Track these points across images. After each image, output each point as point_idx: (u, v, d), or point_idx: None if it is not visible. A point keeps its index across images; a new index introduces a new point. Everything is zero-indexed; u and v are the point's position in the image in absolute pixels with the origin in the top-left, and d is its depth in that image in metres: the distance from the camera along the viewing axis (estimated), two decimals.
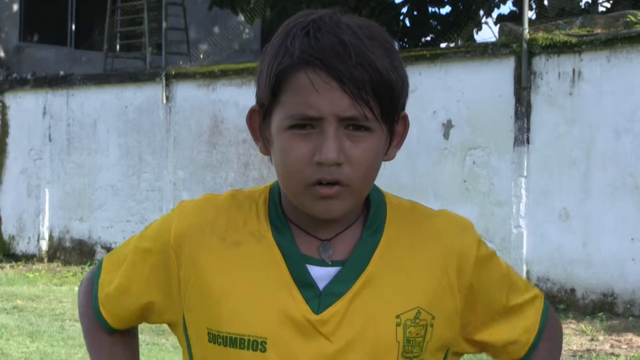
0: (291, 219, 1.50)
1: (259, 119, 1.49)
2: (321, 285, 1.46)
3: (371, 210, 1.52)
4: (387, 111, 1.43)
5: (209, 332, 1.47)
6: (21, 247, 13.75)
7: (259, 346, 1.44)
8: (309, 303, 1.45)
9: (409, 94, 1.49)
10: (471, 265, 1.53)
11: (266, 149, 1.50)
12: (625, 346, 7.49)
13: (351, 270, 1.47)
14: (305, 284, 1.46)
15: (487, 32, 39.99)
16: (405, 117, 1.51)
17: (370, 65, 1.39)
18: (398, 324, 1.46)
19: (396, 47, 1.46)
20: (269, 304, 1.45)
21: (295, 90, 1.40)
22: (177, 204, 1.58)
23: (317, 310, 1.45)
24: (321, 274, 1.46)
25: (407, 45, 16.30)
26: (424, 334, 1.47)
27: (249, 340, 1.45)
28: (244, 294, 1.46)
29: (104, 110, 12.96)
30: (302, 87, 1.39)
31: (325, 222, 1.47)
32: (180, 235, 1.51)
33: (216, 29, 17.79)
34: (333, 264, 1.47)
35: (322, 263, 1.47)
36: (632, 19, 9.13)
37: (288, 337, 1.44)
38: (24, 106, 13.83)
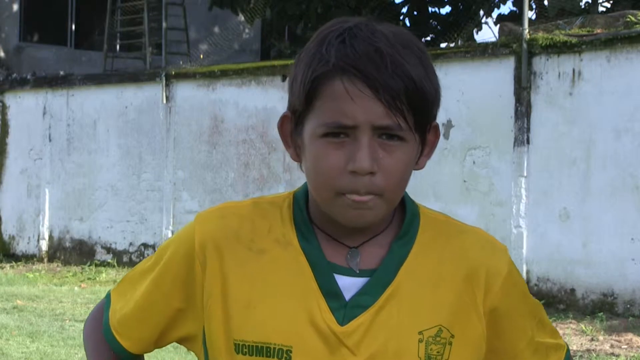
0: (318, 225, 1.49)
1: (291, 126, 1.47)
2: (347, 295, 1.45)
3: (406, 221, 1.51)
4: (420, 121, 1.42)
5: (234, 343, 1.45)
6: (21, 247, 13.75)
7: (284, 355, 1.43)
8: (334, 313, 1.44)
9: (440, 104, 1.48)
10: (499, 286, 1.51)
11: (297, 156, 1.48)
12: (625, 346, 7.49)
13: (378, 282, 1.46)
14: (331, 293, 1.45)
15: (487, 32, 40.03)
16: (437, 127, 1.50)
17: (405, 74, 1.38)
18: (420, 340, 1.45)
19: (429, 56, 1.46)
20: (295, 313, 1.44)
21: (330, 98, 1.39)
22: (195, 216, 1.55)
23: (342, 321, 1.43)
24: (348, 284, 1.45)
25: None
26: (443, 352, 1.46)
27: (274, 348, 1.44)
28: (271, 303, 1.45)
29: (104, 110, 12.96)
30: (337, 95, 1.38)
31: (354, 230, 1.46)
32: (204, 244, 1.49)
33: (216, 29, 17.79)
34: (360, 273, 1.46)
35: (349, 272, 1.46)
36: (632, 19, 9.13)
37: (313, 346, 1.43)
38: (24, 106, 13.83)
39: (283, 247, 1.48)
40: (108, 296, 1.62)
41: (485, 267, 1.51)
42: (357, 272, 1.46)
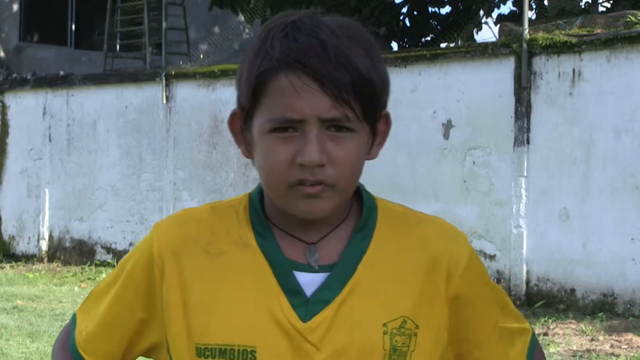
0: (275, 223, 1.48)
1: (241, 122, 1.48)
2: (308, 291, 1.44)
3: (363, 213, 1.50)
4: (368, 111, 1.42)
5: (197, 347, 1.45)
6: (21, 247, 13.75)
7: (249, 355, 1.43)
8: (296, 310, 1.43)
9: (390, 92, 1.47)
10: (460, 274, 1.51)
11: (248, 152, 1.48)
12: (625, 346, 7.48)
13: (339, 276, 1.45)
14: (292, 290, 1.44)
15: (487, 32, 40.01)
16: (388, 116, 1.49)
17: (350, 65, 1.38)
18: (385, 332, 1.45)
19: (377, 46, 1.45)
20: (256, 313, 1.44)
21: (276, 93, 1.39)
22: (153, 225, 1.55)
23: (305, 317, 1.43)
24: (308, 280, 1.45)
25: (407, 45, 16.30)
26: (409, 343, 1.46)
27: (238, 350, 1.43)
28: (232, 304, 1.45)
29: (104, 110, 12.96)
30: (283, 90, 1.38)
31: (310, 224, 1.46)
32: (162, 252, 1.49)
33: (216, 29, 17.79)
34: (320, 269, 1.46)
35: (308, 268, 1.46)
36: (632, 19, 9.13)
37: (276, 345, 1.43)
38: (24, 106, 13.83)
39: (241, 249, 1.47)
40: (74, 316, 1.61)
41: (446, 255, 1.50)
42: (317, 268, 1.45)
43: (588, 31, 9.24)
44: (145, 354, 1.57)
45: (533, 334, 1.63)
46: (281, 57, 1.38)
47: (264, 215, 1.49)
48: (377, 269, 1.47)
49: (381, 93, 1.44)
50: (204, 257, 1.48)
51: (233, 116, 1.49)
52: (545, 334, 7.91)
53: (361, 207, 1.52)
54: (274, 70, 1.39)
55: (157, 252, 1.50)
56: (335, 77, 1.37)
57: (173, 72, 12.34)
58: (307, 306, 1.44)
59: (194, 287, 1.47)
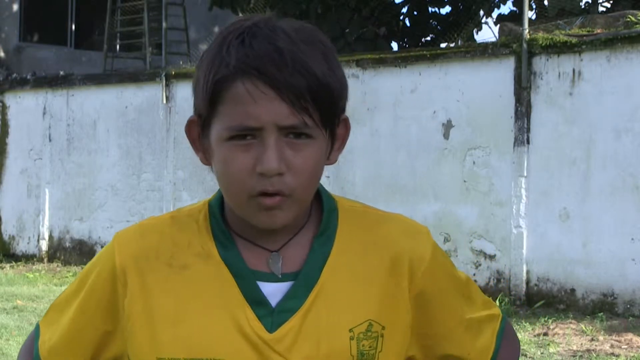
0: (236, 232, 1.47)
1: (198, 129, 1.46)
2: (273, 301, 1.44)
3: (323, 218, 1.49)
4: (327, 116, 1.40)
5: None
6: (21, 247, 13.75)
7: None
8: (262, 321, 1.43)
9: (347, 96, 1.46)
10: (423, 270, 1.50)
11: (206, 160, 1.46)
12: (625, 346, 7.48)
13: (303, 284, 1.45)
14: (257, 301, 1.43)
15: (487, 32, 40.02)
16: (346, 120, 1.48)
17: (307, 71, 1.37)
18: (352, 338, 1.44)
19: (334, 50, 1.44)
20: (223, 325, 1.43)
21: (233, 101, 1.37)
22: (114, 236, 1.54)
23: (271, 328, 1.42)
24: (273, 290, 1.44)
25: (407, 45, 16.30)
26: (376, 345, 1.45)
27: None
28: (198, 317, 1.44)
29: (104, 110, 12.96)
30: (240, 98, 1.37)
31: (272, 232, 1.45)
32: (124, 266, 1.48)
33: (216, 29, 17.79)
34: (284, 277, 1.45)
35: (272, 277, 1.45)
36: (632, 19, 9.12)
37: (244, 357, 1.42)
38: (24, 106, 13.83)
39: (204, 260, 1.46)
40: (37, 327, 1.60)
41: (408, 253, 1.50)
42: (280, 276, 1.44)
43: (588, 31, 9.24)
44: None
45: (503, 318, 1.62)
46: (237, 64, 1.37)
47: (225, 224, 1.48)
48: (341, 273, 1.46)
49: (339, 97, 1.42)
50: (167, 270, 1.47)
51: (190, 123, 1.47)
52: (545, 334, 7.91)
53: (321, 210, 1.50)
54: (230, 78, 1.37)
55: (120, 266, 1.48)
56: (292, 83, 1.36)
57: (173, 72, 12.34)
58: (272, 316, 1.43)
59: (159, 301, 1.45)
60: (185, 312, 1.44)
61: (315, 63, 1.38)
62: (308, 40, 1.40)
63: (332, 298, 1.45)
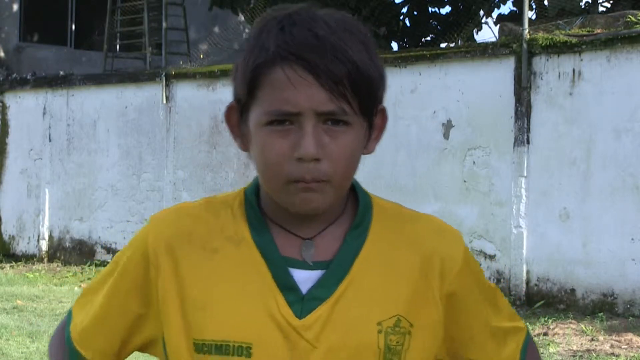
0: (271, 218, 1.48)
1: (237, 116, 1.47)
2: (304, 288, 1.44)
3: (359, 211, 1.50)
4: (365, 105, 1.41)
5: (194, 343, 1.44)
6: (21, 247, 13.75)
7: (244, 352, 1.42)
8: (291, 307, 1.43)
9: (386, 87, 1.47)
10: (455, 273, 1.51)
11: (244, 146, 1.48)
12: (625, 346, 7.48)
13: (334, 273, 1.45)
14: (288, 287, 1.44)
15: (487, 32, 39.99)
16: (384, 110, 1.49)
17: (347, 58, 1.37)
18: (379, 331, 1.44)
19: (373, 41, 1.45)
20: (252, 309, 1.43)
21: (272, 86, 1.39)
22: (149, 218, 1.55)
23: (300, 314, 1.43)
24: (303, 277, 1.45)
25: (407, 45, 16.29)
26: (403, 342, 1.45)
27: (234, 346, 1.43)
28: (228, 300, 1.44)
29: (104, 110, 12.96)
30: (279, 83, 1.38)
31: (307, 220, 1.46)
32: (158, 247, 1.49)
33: (216, 29, 17.79)
34: (315, 265, 1.45)
35: (304, 265, 1.45)
36: (632, 19, 9.12)
37: (272, 342, 1.42)
38: (24, 106, 13.83)
39: (236, 245, 1.47)
40: (70, 311, 1.61)
41: (440, 253, 1.50)
42: (311, 264, 1.45)
43: (588, 31, 9.24)
44: (140, 349, 1.56)
45: (527, 332, 1.62)
46: (277, 49, 1.38)
47: (260, 211, 1.49)
48: (372, 266, 1.47)
49: (377, 87, 1.43)
50: (199, 253, 1.47)
51: (229, 109, 1.49)
52: (545, 334, 7.91)
53: (356, 205, 1.51)
54: (269, 63, 1.38)
55: (152, 248, 1.49)
56: (331, 70, 1.37)
57: (173, 72, 12.34)
58: (302, 303, 1.43)
59: (190, 283, 1.46)
60: (215, 295, 1.45)
61: (355, 51, 1.39)
62: (348, 29, 1.41)
63: (362, 290, 1.45)
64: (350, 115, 1.39)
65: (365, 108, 1.42)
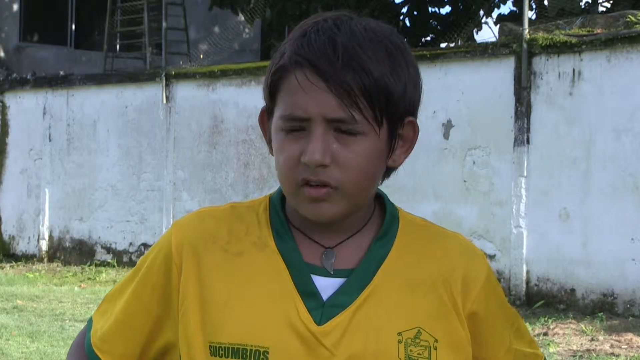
0: (295, 225, 1.48)
1: (267, 119, 1.48)
2: (325, 295, 1.43)
3: (385, 222, 1.49)
4: (382, 115, 1.39)
5: (210, 345, 1.44)
6: (21, 247, 13.75)
7: (261, 356, 1.42)
8: (311, 313, 1.42)
9: (419, 101, 1.45)
10: (477, 292, 1.50)
11: (271, 149, 1.48)
12: (625, 346, 7.48)
13: (356, 281, 1.44)
14: (308, 293, 1.43)
15: (487, 32, 40.01)
16: (414, 123, 1.46)
17: (362, 67, 1.36)
18: (400, 341, 1.43)
19: (406, 53, 1.43)
20: (271, 313, 1.43)
21: (287, 91, 1.40)
22: (173, 223, 1.55)
23: (320, 321, 1.42)
24: (325, 284, 1.44)
25: None
26: (428, 356, 1.44)
27: (251, 350, 1.42)
28: (247, 304, 1.44)
29: (104, 110, 12.96)
30: (293, 88, 1.39)
31: (329, 228, 1.45)
32: (181, 248, 1.48)
33: (216, 29, 17.79)
34: (336, 273, 1.45)
35: (325, 272, 1.45)
36: (632, 19, 9.13)
37: (290, 347, 1.41)
38: (24, 106, 13.83)
39: (260, 249, 1.47)
40: (90, 319, 1.60)
41: (463, 271, 1.49)
42: (331, 272, 1.44)
43: (588, 31, 9.24)
44: (159, 355, 1.55)
45: None
46: (292, 55, 1.39)
47: (284, 217, 1.49)
48: (394, 278, 1.46)
49: (400, 100, 1.40)
50: (222, 255, 1.47)
51: (261, 113, 1.50)
52: (545, 334, 7.91)
53: (383, 216, 1.50)
54: (285, 68, 1.40)
55: (175, 248, 1.49)
56: (342, 77, 1.36)
57: (173, 72, 12.34)
58: (322, 309, 1.42)
59: (211, 284, 1.46)
60: (235, 298, 1.44)
61: (374, 61, 1.37)
62: (375, 39, 1.40)
63: (383, 300, 1.44)
64: (361, 124, 1.38)
65: (383, 119, 1.40)
